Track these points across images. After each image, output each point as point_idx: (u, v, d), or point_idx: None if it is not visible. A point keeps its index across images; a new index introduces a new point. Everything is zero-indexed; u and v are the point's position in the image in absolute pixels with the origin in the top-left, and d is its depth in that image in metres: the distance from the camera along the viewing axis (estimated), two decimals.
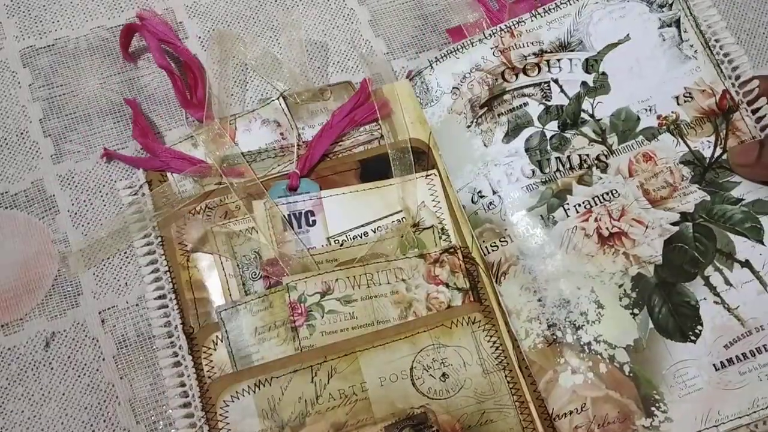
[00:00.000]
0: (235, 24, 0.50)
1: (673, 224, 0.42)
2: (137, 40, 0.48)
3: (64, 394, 0.40)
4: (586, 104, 0.44)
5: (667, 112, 0.43)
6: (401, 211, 0.44)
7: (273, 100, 0.46)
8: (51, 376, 0.41)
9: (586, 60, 0.45)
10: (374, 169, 0.45)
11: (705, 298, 0.40)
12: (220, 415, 0.38)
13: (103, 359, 0.41)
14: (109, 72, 0.48)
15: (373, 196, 0.44)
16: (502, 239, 0.42)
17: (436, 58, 0.46)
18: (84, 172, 0.45)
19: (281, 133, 0.46)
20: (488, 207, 0.43)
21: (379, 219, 0.44)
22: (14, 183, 0.45)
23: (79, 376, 0.41)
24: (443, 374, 0.40)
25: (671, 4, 0.45)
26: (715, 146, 0.43)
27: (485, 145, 0.44)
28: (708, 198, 0.42)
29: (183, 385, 0.40)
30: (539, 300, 0.41)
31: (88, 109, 0.47)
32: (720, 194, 0.42)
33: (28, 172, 0.45)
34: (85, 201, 0.44)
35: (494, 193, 0.43)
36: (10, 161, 0.45)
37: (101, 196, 0.45)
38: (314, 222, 0.43)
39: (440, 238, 0.44)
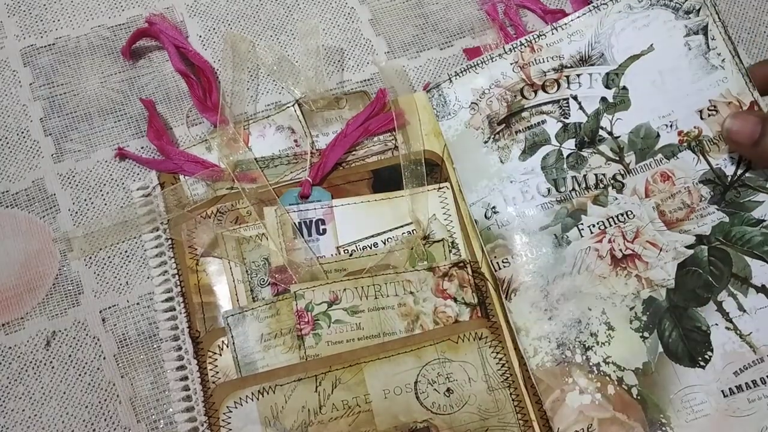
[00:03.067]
0: (235, 23, 0.50)
1: (688, 247, 0.41)
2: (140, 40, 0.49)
3: (65, 393, 0.40)
4: (604, 121, 0.43)
5: (689, 127, 0.42)
6: (412, 223, 0.44)
7: (288, 107, 0.46)
8: (52, 374, 0.40)
9: (607, 74, 0.43)
10: (387, 179, 0.45)
11: (717, 324, 0.39)
12: (223, 420, 0.38)
13: (104, 358, 0.41)
14: (109, 71, 0.48)
15: (385, 207, 0.44)
16: (515, 256, 0.42)
17: (456, 72, 0.46)
18: (85, 171, 0.45)
19: (295, 140, 0.46)
20: (502, 223, 0.43)
21: (390, 230, 0.44)
22: (15, 182, 0.45)
23: (79, 375, 0.40)
24: (448, 389, 0.40)
25: (698, 10, 0.42)
26: (739, 163, 0.41)
27: (501, 162, 0.44)
28: (726, 219, 0.40)
29: (187, 389, 0.39)
30: (550, 319, 0.41)
31: (88, 108, 0.47)
32: (740, 215, 0.40)
33: (28, 171, 0.45)
34: (86, 200, 0.44)
35: (509, 209, 0.43)
36: (11, 160, 0.45)
37: (102, 195, 0.44)
38: (324, 231, 0.43)
39: (450, 251, 0.44)
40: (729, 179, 0.41)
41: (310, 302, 0.41)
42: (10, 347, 0.41)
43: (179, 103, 0.47)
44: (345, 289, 0.41)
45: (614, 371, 0.40)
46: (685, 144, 0.42)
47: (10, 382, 0.40)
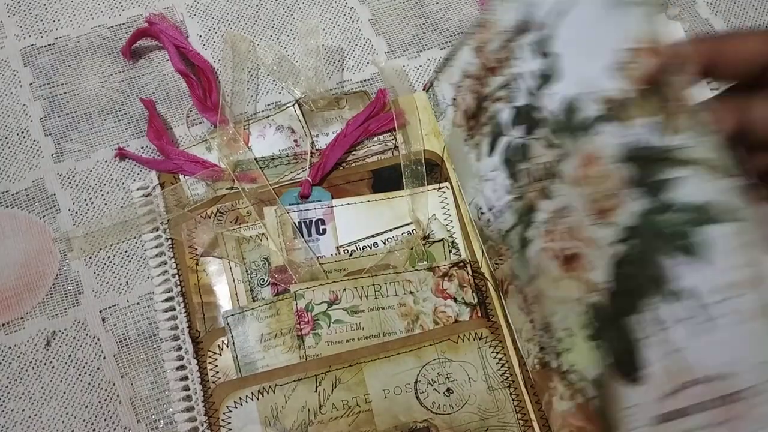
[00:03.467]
0: (235, 23, 0.50)
1: (621, 242, 0.32)
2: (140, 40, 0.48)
3: (65, 393, 0.40)
4: (546, 98, 0.35)
5: (614, 92, 0.32)
6: (412, 223, 0.44)
7: (288, 107, 0.46)
8: (52, 374, 0.40)
9: (539, 42, 0.36)
10: (387, 179, 0.45)
11: (650, 336, 0.31)
12: (223, 420, 0.38)
13: (104, 358, 0.41)
14: (110, 71, 0.48)
15: (385, 207, 0.44)
16: (500, 257, 0.41)
17: (438, 68, 0.44)
18: (85, 171, 0.45)
19: (295, 140, 0.46)
20: (487, 223, 0.42)
21: (390, 230, 0.44)
22: (15, 182, 0.45)
23: (79, 375, 0.40)
24: (448, 389, 0.40)
25: None
26: (666, 128, 0.31)
27: (477, 160, 0.41)
28: (654, 206, 0.31)
29: (187, 389, 0.39)
30: (531, 321, 0.39)
31: (88, 108, 0.47)
32: (664, 199, 0.31)
33: (28, 171, 0.45)
34: (86, 200, 0.44)
35: (489, 210, 0.41)
36: (11, 160, 0.45)
37: (102, 195, 0.44)
38: (324, 231, 0.43)
39: (450, 251, 0.44)
40: (656, 152, 0.31)
41: (310, 302, 0.41)
42: (10, 347, 0.41)
43: (179, 103, 0.47)
44: (345, 289, 0.41)
45: (579, 380, 0.35)
46: (612, 113, 0.32)
47: (10, 382, 0.40)
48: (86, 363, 0.41)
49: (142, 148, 0.46)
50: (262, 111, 0.47)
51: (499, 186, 0.39)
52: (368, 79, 0.49)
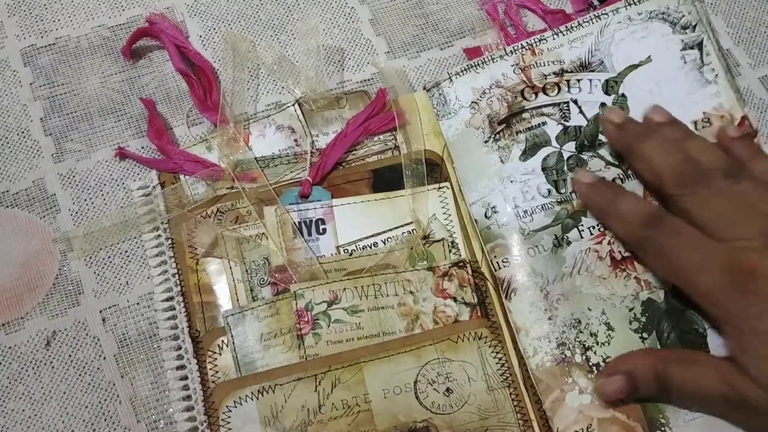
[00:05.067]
0: (235, 23, 0.50)
1: None
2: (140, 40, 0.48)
3: (65, 393, 0.40)
4: None
5: None
6: (412, 222, 0.44)
7: (288, 106, 0.46)
8: (52, 374, 0.40)
9: (606, 81, 0.44)
10: (387, 179, 0.45)
11: (713, 326, 0.39)
12: (222, 420, 0.38)
13: (104, 358, 0.41)
14: (110, 71, 0.48)
15: (385, 207, 0.44)
16: (515, 255, 0.42)
17: (456, 71, 0.46)
18: (85, 171, 0.45)
19: (295, 140, 0.46)
20: (502, 223, 0.43)
21: (390, 230, 0.44)
22: (15, 182, 0.45)
23: (80, 375, 0.40)
24: (447, 389, 0.40)
25: (695, 26, 0.44)
26: None
27: (502, 162, 0.44)
28: None
29: (186, 388, 0.39)
30: (549, 318, 0.41)
31: (89, 108, 0.47)
32: None
33: (29, 171, 0.45)
34: (86, 200, 0.44)
35: (510, 209, 0.43)
36: (11, 160, 0.45)
37: (102, 195, 0.44)
38: (324, 230, 0.43)
39: (450, 251, 0.44)
40: None
41: (310, 302, 0.41)
42: (10, 347, 0.41)
43: (179, 103, 0.47)
44: (345, 289, 0.41)
45: None
46: None
47: (10, 382, 0.40)
48: (86, 363, 0.41)
49: (143, 148, 0.46)
50: (263, 111, 0.47)
51: (531, 188, 0.43)
52: (368, 80, 0.49)
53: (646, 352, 0.39)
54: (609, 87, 0.44)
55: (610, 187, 0.41)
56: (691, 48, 0.44)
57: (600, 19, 0.45)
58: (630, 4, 0.45)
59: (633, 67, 0.44)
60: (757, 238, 0.34)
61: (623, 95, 0.44)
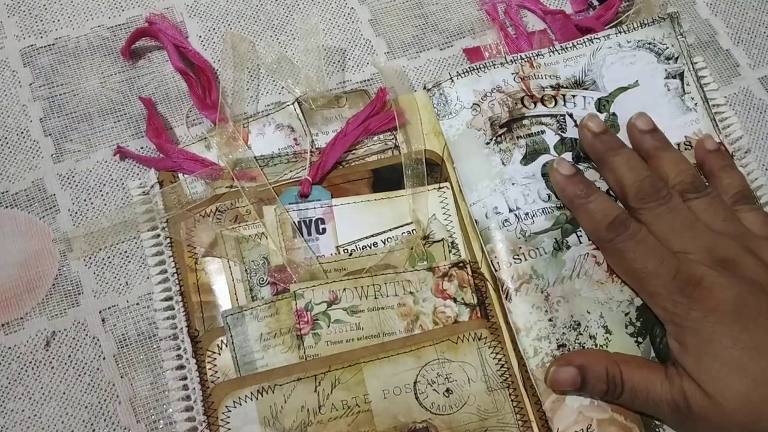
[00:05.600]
0: (235, 23, 0.50)
1: None
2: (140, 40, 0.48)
3: (64, 393, 0.40)
4: None
5: None
6: (412, 222, 0.44)
7: (288, 105, 0.46)
8: (51, 375, 0.40)
9: (599, 99, 0.46)
10: (387, 179, 0.45)
11: None
12: (222, 420, 0.38)
13: (104, 358, 0.41)
14: (109, 71, 0.48)
15: (385, 207, 0.44)
16: (516, 257, 0.42)
17: (457, 72, 0.46)
18: (84, 172, 0.45)
19: (295, 139, 0.46)
20: (503, 224, 0.43)
21: (390, 230, 0.44)
22: (15, 182, 0.45)
23: (79, 375, 0.40)
24: (447, 389, 0.40)
25: (677, 58, 0.47)
26: None
27: (503, 164, 0.44)
28: None
29: (186, 388, 0.39)
30: (550, 320, 0.41)
31: (88, 108, 0.47)
32: None
33: (28, 171, 0.45)
34: (85, 200, 0.44)
35: (510, 211, 0.43)
36: (11, 160, 0.45)
37: (102, 195, 0.44)
38: (324, 230, 0.43)
39: (450, 251, 0.43)
40: None
41: (310, 302, 0.41)
42: (9, 347, 0.41)
43: (179, 104, 0.47)
44: (344, 289, 0.41)
45: None
46: None
47: (9, 382, 0.40)
48: (86, 363, 0.41)
49: (142, 148, 0.46)
50: (263, 111, 0.47)
51: (531, 192, 0.44)
52: (368, 80, 0.49)
53: (601, 352, 0.40)
54: (601, 105, 0.46)
55: (585, 183, 0.42)
56: (674, 77, 0.47)
57: (592, 42, 0.48)
58: (620, 32, 0.48)
59: (622, 89, 0.47)
60: (700, 253, 0.38)
61: (614, 114, 0.46)
